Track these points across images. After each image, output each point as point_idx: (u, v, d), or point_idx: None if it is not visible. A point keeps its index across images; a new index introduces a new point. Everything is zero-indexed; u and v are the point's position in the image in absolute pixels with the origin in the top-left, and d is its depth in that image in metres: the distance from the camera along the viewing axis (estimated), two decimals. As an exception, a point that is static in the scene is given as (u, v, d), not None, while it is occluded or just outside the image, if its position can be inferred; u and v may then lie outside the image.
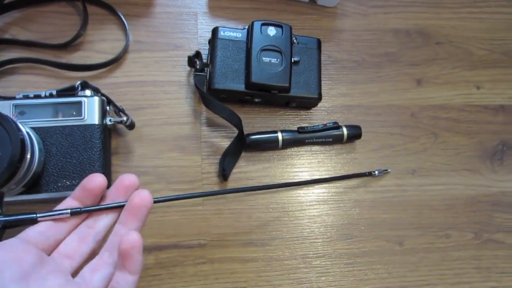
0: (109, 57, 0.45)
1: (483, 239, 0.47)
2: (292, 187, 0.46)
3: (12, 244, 0.25)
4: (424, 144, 0.49)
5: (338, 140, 0.46)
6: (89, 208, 0.29)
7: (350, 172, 0.47)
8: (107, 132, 0.41)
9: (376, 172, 0.46)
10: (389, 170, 0.47)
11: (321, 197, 0.46)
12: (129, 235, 0.26)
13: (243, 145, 0.44)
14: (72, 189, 0.37)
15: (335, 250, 0.44)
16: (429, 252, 0.46)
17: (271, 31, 0.44)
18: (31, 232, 0.27)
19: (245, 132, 0.44)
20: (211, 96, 0.43)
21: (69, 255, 0.27)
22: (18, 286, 0.23)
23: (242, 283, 0.42)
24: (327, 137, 0.46)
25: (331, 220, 0.45)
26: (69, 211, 0.28)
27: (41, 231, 0.27)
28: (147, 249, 0.41)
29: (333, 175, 0.46)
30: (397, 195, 0.47)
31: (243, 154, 0.45)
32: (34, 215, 0.28)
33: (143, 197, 0.28)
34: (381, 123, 0.49)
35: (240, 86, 0.43)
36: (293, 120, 0.48)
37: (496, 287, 0.46)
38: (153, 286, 0.41)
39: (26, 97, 0.39)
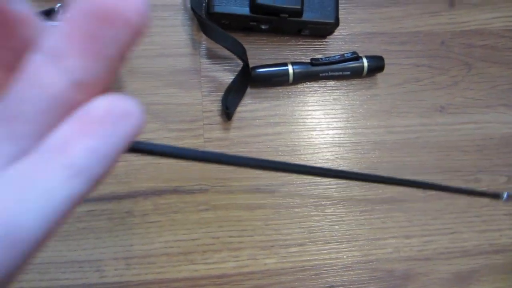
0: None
1: (517, 184, 0.42)
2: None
3: None
4: (455, 77, 0.43)
5: (357, 73, 0.40)
6: None
7: (370, 110, 0.41)
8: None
9: (505, 195, 0.34)
10: None
11: (336, 139, 0.41)
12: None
13: (248, 79, 0.39)
14: None
15: (351, 197, 0.40)
16: (455, 199, 0.41)
17: None
18: None
19: (251, 65, 0.39)
20: (211, 21, 0.37)
21: None
22: None
23: (249, 231, 0.39)
24: (344, 69, 0.40)
25: (347, 164, 0.41)
26: None
27: None
28: (143, 194, 0.38)
29: (351, 115, 0.41)
30: (422, 136, 0.42)
31: (248, 90, 0.40)
32: None
33: None
34: (406, 54, 0.43)
35: (244, 10, 0.37)
36: (306, 51, 0.42)
37: (528, 234, 0.42)
38: (152, 233, 0.37)
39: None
